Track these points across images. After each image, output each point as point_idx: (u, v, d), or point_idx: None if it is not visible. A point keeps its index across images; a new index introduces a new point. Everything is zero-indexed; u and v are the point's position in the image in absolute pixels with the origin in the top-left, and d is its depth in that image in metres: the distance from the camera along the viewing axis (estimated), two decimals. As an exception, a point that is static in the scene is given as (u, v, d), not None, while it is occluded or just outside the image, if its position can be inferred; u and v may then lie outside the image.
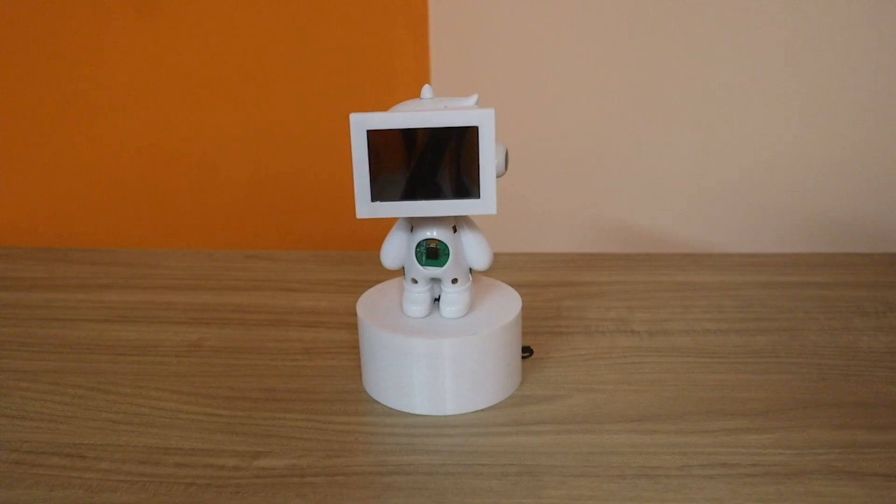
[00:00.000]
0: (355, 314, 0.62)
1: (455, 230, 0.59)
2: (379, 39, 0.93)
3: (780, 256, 0.88)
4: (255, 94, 0.97)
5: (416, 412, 0.59)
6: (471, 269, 0.61)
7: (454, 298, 0.61)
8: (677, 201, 0.94)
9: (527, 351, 0.66)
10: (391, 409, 0.60)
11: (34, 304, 0.80)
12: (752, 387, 0.62)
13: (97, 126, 0.99)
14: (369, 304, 0.63)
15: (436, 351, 0.58)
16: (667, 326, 0.72)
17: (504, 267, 0.67)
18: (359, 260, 0.88)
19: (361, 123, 0.54)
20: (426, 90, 0.58)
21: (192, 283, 0.84)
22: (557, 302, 0.77)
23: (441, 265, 0.59)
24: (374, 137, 0.54)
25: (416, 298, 0.61)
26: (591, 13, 0.91)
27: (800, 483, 0.51)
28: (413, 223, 0.59)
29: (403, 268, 0.61)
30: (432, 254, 0.59)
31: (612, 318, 0.74)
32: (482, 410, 0.60)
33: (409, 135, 0.55)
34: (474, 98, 0.57)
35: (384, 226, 0.61)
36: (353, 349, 0.66)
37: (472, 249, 0.60)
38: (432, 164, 0.55)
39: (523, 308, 0.62)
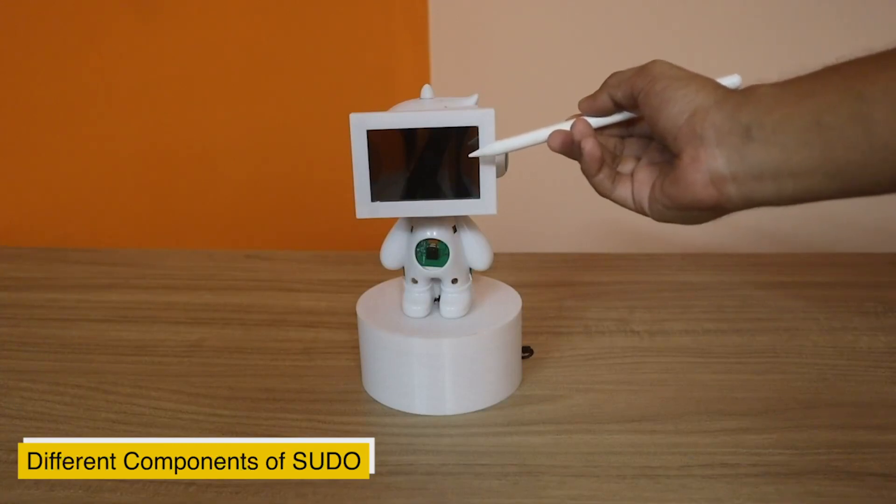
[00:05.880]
0: (355, 314, 0.62)
1: (455, 230, 0.59)
2: (379, 39, 0.93)
3: (780, 256, 0.88)
4: (255, 94, 0.97)
5: (416, 412, 0.59)
6: (471, 269, 0.61)
7: (454, 298, 0.61)
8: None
9: (527, 351, 0.66)
10: (391, 409, 0.60)
11: (34, 304, 0.80)
12: (752, 387, 0.62)
13: (97, 126, 0.99)
14: (369, 304, 0.63)
15: (436, 351, 0.58)
16: (667, 326, 0.72)
17: (504, 267, 0.67)
18: (359, 260, 0.88)
19: (361, 123, 0.54)
20: (426, 90, 0.58)
21: (192, 283, 0.84)
22: (557, 302, 0.77)
23: (441, 265, 0.59)
24: (374, 137, 0.54)
25: (416, 298, 0.61)
26: (590, 13, 0.91)
27: (800, 483, 0.51)
28: (413, 223, 0.59)
29: (403, 268, 0.61)
30: (432, 254, 0.59)
31: (612, 318, 0.74)
32: (482, 410, 0.60)
33: (409, 135, 0.55)
34: (474, 98, 0.57)
35: (384, 226, 0.61)
36: (353, 349, 0.66)
37: (472, 249, 0.60)
38: (432, 164, 0.55)
39: (523, 308, 0.62)
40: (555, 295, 0.79)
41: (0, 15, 0.95)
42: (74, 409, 0.61)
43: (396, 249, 0.61)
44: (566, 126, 0.51)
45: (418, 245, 0.59)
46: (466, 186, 0.56)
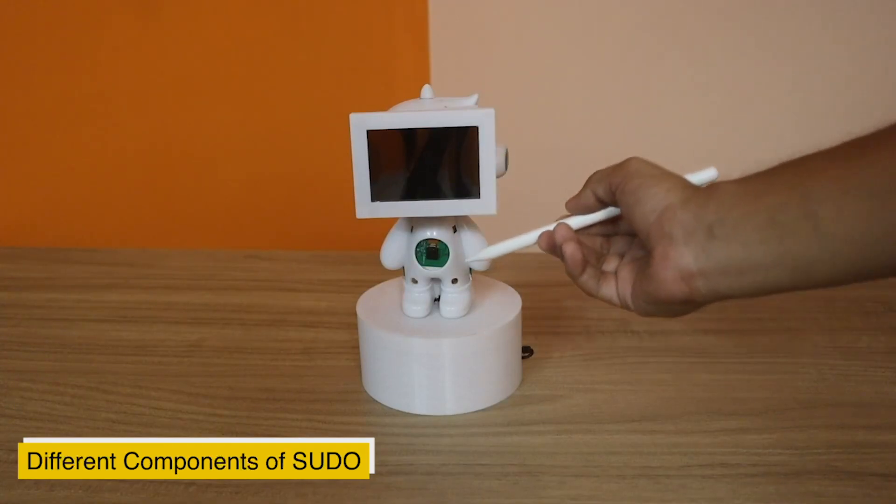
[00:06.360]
0: (355, 314, 0.62)
1: (455, 230, 0.59)
2: (379, 40, 0.93)
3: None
4: (255, 94, 0.97)
5: (416, 412, 0.59)
6: (471, 269, 0.61)
7: (454, 298, 0.61)
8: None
9: (527, 351, 0.66)
10: (391, 409, 0.60)
11: (34, 304, 0.80)
12: (752, 387, 0.62)
13: (97, 126, 0.99)
14: (369, 304, 0.63)
15: (436, 351, 0.58)
16: (667, 326, 0.72)
17: (504, 267, 0.67)
18: (359, 260, 0.88)
19: (361, 123, 0.54)
20: (426, 90, 0.58)
21: (192, 283, 0.84)
22: (557, 302, 0.77)
23: (441, 265, 0.59)
24: (374, 137, 0.54)
25: (416, 298, 0.61)
26: (590, 14, 0.91)
27: (800, 483, 0.51)
28: (413, 223, 0.59)
29: (403, 268, 0.61)
30: (432, 254, 0.59)
31: (612, 318, 0.74)
32: (482, 410, 0.60)
33: (409, 135, 0.55)
34: (474, 98, 0.57)
35: (384, 226, 0.61)
36: (353, 349, 0.66)
37: (473, 249, 0.60)
38: (432, 164, 0.55)
39: (523, 308, 0.62)
40: (555, 295, 0.79)
41: (0, 15, 0.95)
42: (74, 409, 0.61)
43: (396, 249, 0.61)
44: (553, 227, 0.53)
45: (418, 245, 0.59)
46: (466, 186, 0.56)
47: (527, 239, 0.53)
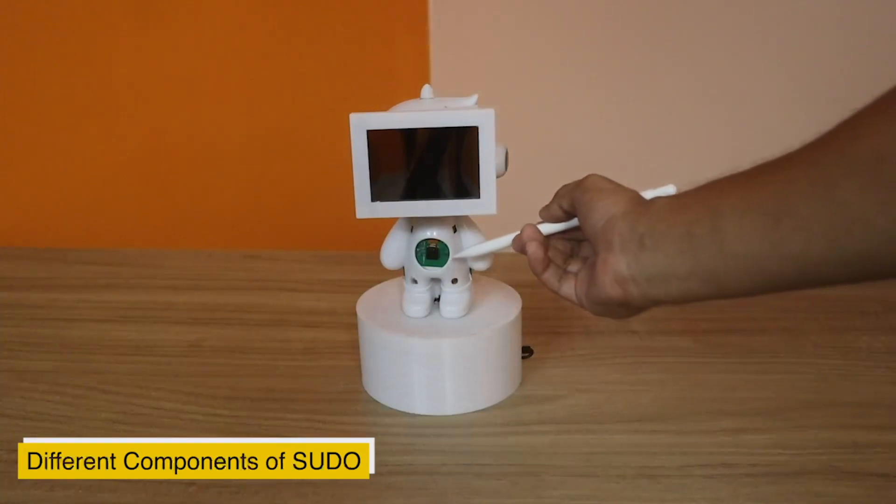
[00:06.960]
0: (355, 314, 0.62)
1: (455, 230, 0.59)
2: (379, 40, 0.93)
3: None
4: (256, 95, 0.97)
5: (416, 412, 0.59)
6: (471, 269, 0.61)
7: (454, 298, 0.61)
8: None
9: (527, 351, 0.66)
10: (391, 409, 0.60)
11: (34, 304, 0.80)
12: (752, 387, 0.62)
13: (97, 126, 0.99)
14: (369, 304, 0.63)
15: (436, 351, 0.58)
16: (667, 326, 0.72)
17: (504, 267, 0.67)
18: (359, 260, 0.88)
19: (361, 123, 0.54)
20: (426, 90, 0.58)
21: (192, 283, 0.84)
22: (557, 302, 0.77)
23: (441, 265, 0.59)
24: (375, 137, 0.54)
25: (416, 298, 0.61)
26: (590, 14, 0.91)
27: (800, 483, 0.51)
28: (413, 223, 0.59)
29: (403, 268, 0.61)
30: (432, 254, 0.59)
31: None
32: (482, 410, 0.60)
33: (409, 135, 0.55)
34: (474, 98, 0.57)
35: (384, 226, 0.61)
36: (353, 349, 0.66)
37: (472, 249, 0.60)
38: (432, 164, 0.55)
39: (523, 308, 0.62)
40: (555, 295, 0.79)
41: (0, 15, 0.95)
42: (74, 409, 0.61)
43: (396, 249, 0.61)
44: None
45: (418, 245, 0.59)
46: (466, 186, 0.56)
47: (505, 240, 0.56)
